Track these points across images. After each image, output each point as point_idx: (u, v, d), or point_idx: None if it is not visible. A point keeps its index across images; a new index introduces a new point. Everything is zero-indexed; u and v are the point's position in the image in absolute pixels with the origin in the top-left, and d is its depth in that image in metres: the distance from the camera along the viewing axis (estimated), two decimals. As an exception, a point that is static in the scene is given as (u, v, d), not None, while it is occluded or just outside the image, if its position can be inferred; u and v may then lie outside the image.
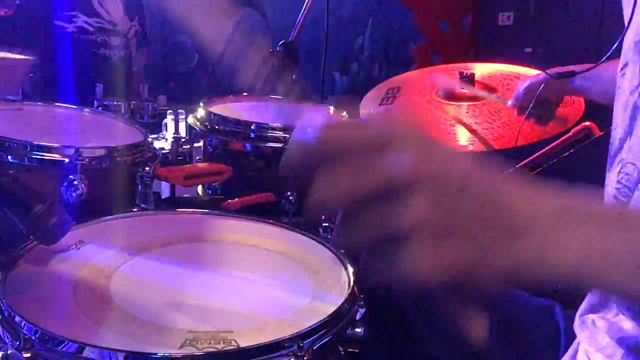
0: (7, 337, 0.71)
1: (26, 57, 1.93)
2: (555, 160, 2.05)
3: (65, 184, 1.12)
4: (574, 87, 1.30)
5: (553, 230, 0.47)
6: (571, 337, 0.95)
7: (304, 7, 2.08)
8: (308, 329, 0.74)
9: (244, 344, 0.72)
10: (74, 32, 2.01)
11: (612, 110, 0.91)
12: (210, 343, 0.72)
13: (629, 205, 0.81)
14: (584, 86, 1.28)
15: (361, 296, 0.84)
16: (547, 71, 1.32)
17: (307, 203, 0.48)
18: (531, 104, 1.37)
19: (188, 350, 0.70)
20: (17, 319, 0.72)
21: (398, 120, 0.49)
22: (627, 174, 0.83)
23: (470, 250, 0.45)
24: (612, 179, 0.87)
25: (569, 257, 0.47)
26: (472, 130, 1.54)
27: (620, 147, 0.86)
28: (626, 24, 0.88)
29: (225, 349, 0.71)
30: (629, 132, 0.85)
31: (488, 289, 0.47)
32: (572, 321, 0.93)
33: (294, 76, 2.04)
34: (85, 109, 1.52)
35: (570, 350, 0.95)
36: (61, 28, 1.98)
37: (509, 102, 1.44)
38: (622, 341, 0.81)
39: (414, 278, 0.44)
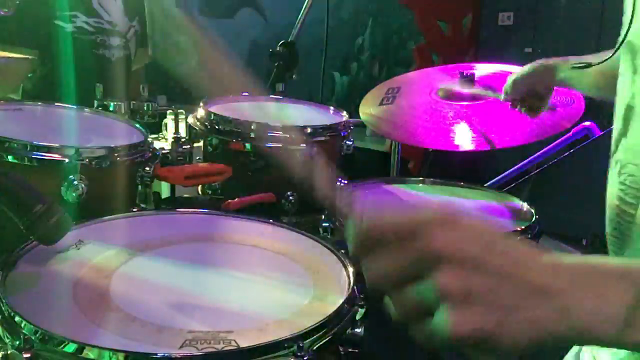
0: (7, 337, 0.71)
1: (26, 55, 1.93)
2: (556, 160, 2.05)
3: (65, 184, 1.12)
4: (561, 79, 1.29)
5: (570, 291, 0.49)
6: None
7: (304, 7, 2.08)
8: (308, 329, 0.74)
9: (243, 344, 0.72)
10: (74, 32, 2.00)
11: (611, 109, 0.90)
12: (210, 343, 0.72)
13: (637, 209, 0.81)
14: (571, 77, 1.27)
15: (361, 296, 0.84)
16: (570, 60, 1.29)
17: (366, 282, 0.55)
18: (515, 95, 1.37)
19: (188, 351, 0.70)
20: (17, 319, 0.72)
21: (425, 209, 0.54)
22: (630, 175, 0.82)
23: (493, 314, 0.49)
24: (613, 179, 0.87)
25: (586, 317, 0.49)
26: (472, 130, 1.55)
27: (616, 147, 0.86)
28: (627, 22, 0.88)
29: (225, 349, 0.71)
30: (623, 133, 0.85)
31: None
32: None
33: (294, 76, 2.05)
34: (85, 109, 1.52)
35: (575, 348, 0.95)
36: (61, 28, 1.98)
37: (501, 97, 1.43)
38: None
39: (442, 342, 0.50)
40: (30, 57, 1.94)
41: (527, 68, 1.35)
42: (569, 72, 1.26)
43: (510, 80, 1.38)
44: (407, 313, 0.52)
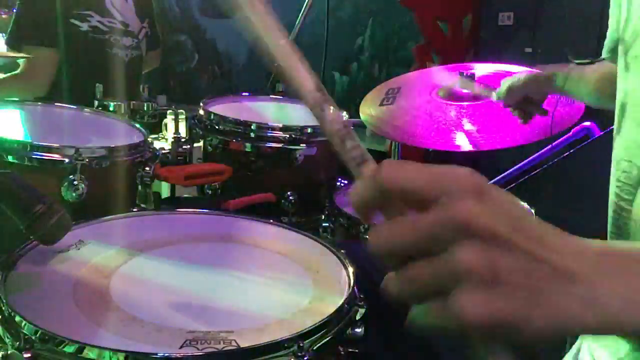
0: (7, 337, 0.71)
1: (53, 52, 1.94)
2: (555, 160, 2.05)
3: (65, 184, 1.12)
4: (560, 87, 1.28)
5: (597, 277, 0.46)
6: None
7: (304, 7, 2.08)
8: (308, 329, 0.74)
9: (244, 344, 0.72)
10: (89, 32, 2.00)
11: (612, 110, 0.91)
12: (210, 343, 0.72)
13: (632, 204, 0.81)
14: (570, 86, 1.27)
15: (361, 296, 0.84)
16: (570, 65, 1.27)
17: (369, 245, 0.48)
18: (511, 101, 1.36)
19: (188, 351, 0.70)
20: (17, 319, 0.72)
21: (452, 172, 0.47)
22: (624, 171, 0.83)
23: (518, 299, 0.44)
24: (612, 177, 0.87)
25: (613, 304, 0.45)
26: (472, 130, 1.54)
27: (615, 145, 0.87)
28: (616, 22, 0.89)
29: (225, 349, 0.71)
30: (618, 130, 0.86)
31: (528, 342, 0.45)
32: None
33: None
34: (85, 109, 1.52)
35: (573, 349, 0.95)
36: (76, 27, 1.98)
37: (493, 96, 1.42)
38: None
39: (457, 327, 0.44)
40: (56, 53, 1.96)
41: (523, 77, 1.33)
42: (568, 80, 1.25)
43: (504, 86, 1.37)
44: (414, 291, 0.46)
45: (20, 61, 1.99)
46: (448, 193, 0.44)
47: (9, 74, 2.03)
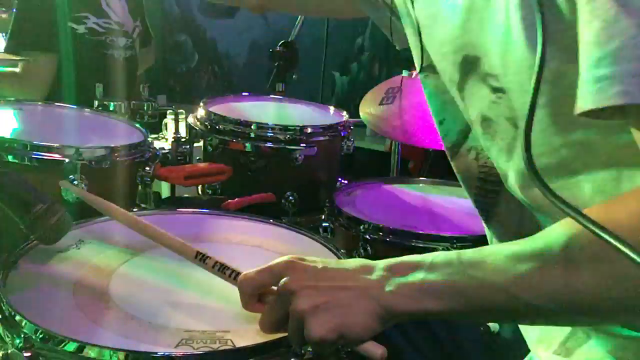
0: (8, 337, 0.71)
1: (51, 57, 1.94)
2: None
3: (65, 183, 1.12)
4: None
5: (382, 285, 0.67)
6: None
7: (304, 7, 2.07)
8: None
9: (240, 343, 0.72)
10: (85, 34, 2.00)
11: None
12: (206, 342, 0.72)
13: None
14: None
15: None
16: None
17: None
18: None
19: (183, 350, 0.71)
20: (17, 318, 0.72)
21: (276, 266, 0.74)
22: None
23: (339, 315, 0.67)
24: None
25: (397, 300, 0.67)
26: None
27: None
28: None
29: (220, 348, 0.72)
30: None
31: None
32: None
33: (294, 76, 2.05)
34: (85, 109, 1.53)
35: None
36: (73, 30, 1.98)
37: None
38: None
39: (314, 346, 0.70)
40: (55, 56, 1.96)
41: None
42: None
43: None
44: (292, 333, 0.69)
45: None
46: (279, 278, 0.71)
47: (8, 69, 2.02)
